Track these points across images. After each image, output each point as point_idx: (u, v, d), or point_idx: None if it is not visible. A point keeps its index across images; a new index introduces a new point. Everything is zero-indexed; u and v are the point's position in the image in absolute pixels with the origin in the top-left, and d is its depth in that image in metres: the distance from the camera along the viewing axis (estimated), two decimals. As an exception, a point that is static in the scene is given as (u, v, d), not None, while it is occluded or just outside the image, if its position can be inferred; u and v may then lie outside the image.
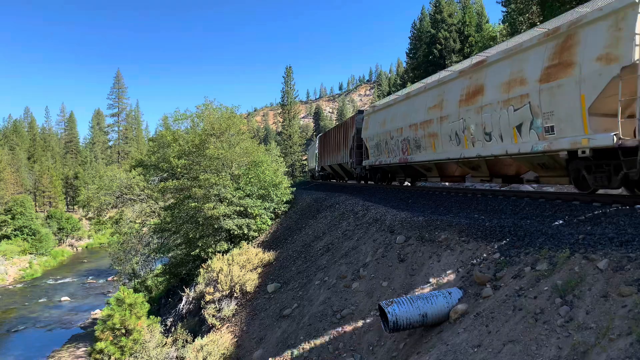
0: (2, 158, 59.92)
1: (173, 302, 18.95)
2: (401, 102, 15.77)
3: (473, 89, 11.05)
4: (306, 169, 57.18)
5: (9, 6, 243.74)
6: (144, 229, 27.50)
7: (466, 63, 11.51)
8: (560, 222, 6.51)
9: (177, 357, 10.69)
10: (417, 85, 15.87)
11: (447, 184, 16.08)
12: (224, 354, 9.18)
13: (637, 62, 6.56)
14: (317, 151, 33.87)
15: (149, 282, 27.34)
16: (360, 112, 21.36)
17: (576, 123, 7.72)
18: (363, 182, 21.60)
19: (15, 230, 49.70)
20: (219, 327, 10.87)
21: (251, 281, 11.97)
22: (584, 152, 7.54)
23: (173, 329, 13.61)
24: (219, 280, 12.05)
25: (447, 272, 6.30)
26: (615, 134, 6.90)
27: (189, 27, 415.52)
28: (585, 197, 7.73)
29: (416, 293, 6.24)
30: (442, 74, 13.42)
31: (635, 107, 6.75)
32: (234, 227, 17.47)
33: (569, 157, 8.07)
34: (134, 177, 27.29)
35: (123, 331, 12.22)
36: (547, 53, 8.53)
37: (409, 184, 16.93)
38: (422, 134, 13.59)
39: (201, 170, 18.59)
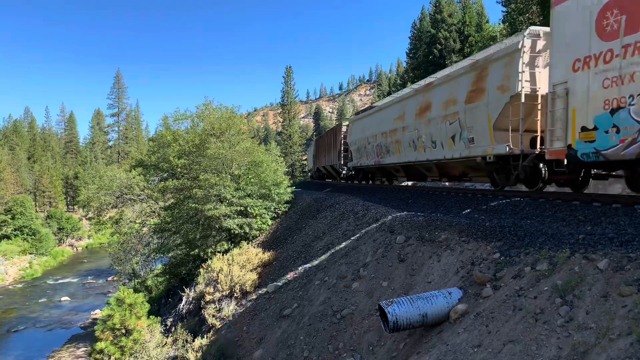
0: (2, 158, 59.92)
1: (173, 302, 18.95)
2: (376, 112, 18.00)
3: (424, 105, 13.45)
4: (306, 169, 57.24)
5: (9, 6, 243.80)
6: (144, 229, 27.49)
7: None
8: (560, 222, 6.51)
9: (177, 357, 10.69)
10: (389, 98, 18.36)
11: (423, 183, 18.30)
12: (223, 353, 9.18)
13: (520, 92, 9.10)
14: (313, 153, 36.42)
15: (149, 282, 27.34)
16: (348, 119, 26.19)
17: (486, 136, 10.26)
18: (350, 181, 23.62)
19: (15, 230, 49.69)
20: (219, 327, 10.87)
21: (251, 281, 11.98)
22: (490, 158, 10.19)
23: (173, 329, 13.61)
24: (219, 280, 12.05)
25: (447, 272, 6.30)
26: (507, 145, 9.47)
27: (189, 27, 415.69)
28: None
29: (416, 293, 6.24)
30: (404, 90, 15.97)
31: (525, 125, 9.16)
32: (235, 226, 17.47)
33: (484, 161, 10.49)
34: (134, 177, 27.29)
35: (123, 331, 12.23)
36: (470, 80, 11.04)
37: (387, 182, 18.62)
38: (390, 140, 15.93)
39: (201, 170, 18.59)
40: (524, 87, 9.14)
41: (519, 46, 9.21)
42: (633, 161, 6.75)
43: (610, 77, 6.95)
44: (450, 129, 11.82)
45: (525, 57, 9.22)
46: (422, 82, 15.05)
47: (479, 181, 12.68)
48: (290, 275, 10.91)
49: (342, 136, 23.79)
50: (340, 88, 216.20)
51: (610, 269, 4.00)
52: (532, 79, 9.22)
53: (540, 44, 9.19)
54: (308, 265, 10.84)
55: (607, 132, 6.97)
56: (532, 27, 9.45)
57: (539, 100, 9.00)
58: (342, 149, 23.95)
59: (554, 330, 3.76)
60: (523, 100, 9.11)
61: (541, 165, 9.08)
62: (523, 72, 9.15)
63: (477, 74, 10.77)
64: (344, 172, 23.96)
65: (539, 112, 9.00)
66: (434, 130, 12.69)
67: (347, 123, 23.45)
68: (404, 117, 14.73)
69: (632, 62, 6.63)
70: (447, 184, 16.49)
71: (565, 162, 7.99)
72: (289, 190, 20.29)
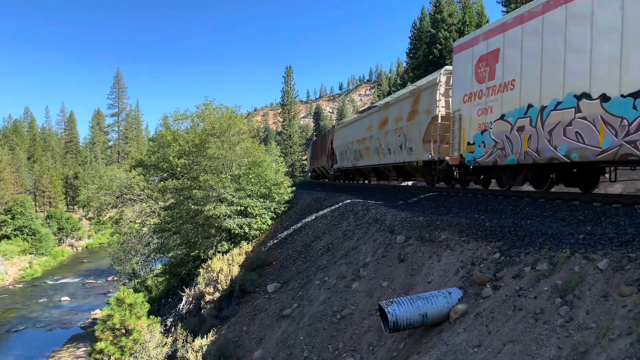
0: (2, 158, 59.91)
1: (173, 302, 18.95)
2: (353, 123, 22.07)
3: (383, 120, 17.14)
4: (306, 169, 57.34)
5: (9, 6, 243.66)
6: (144, 229, 27.50)
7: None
8: (560, 222, 6.52)
9: (177, 357, 10.69)
10: (355, 115, 23.47)
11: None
12: (223, 353, 9.17)
13: (437, 114, 12.47)
14: (310, 155, 40.34)
15: (149, 282, 27.34)
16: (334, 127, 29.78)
17: (419, 146, 13.66)
18: (336, 180, 27.32)
19: (15, 230, 49.70)
20: (219, 327, 10.87)
21: (251, 281, 11.97)
22: (420, 163, 13.82)
23: (173, 329, 13.61)
24: (219, 280, 12.06)
25: (447, 272, 6.30)
26: (429, 153, 12.98)
27: (189, 27, 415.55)
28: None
29: (416, 293, 6.24)
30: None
31: (442, 139, 12.36)
32: (235, 226, 17.47)
33: (418, 165, 14.14)
34: (134, 177, 27.29)
35: (123, 331, 12.23)
36: (410, 103, 14.64)
37: (363, 181, 21.48)
38: (363, 147, 19.58)
39: (201, 170, 18.58)
40: (440, 111, 12.48)
41: (437, 80, 12.68)
42: (490, 166, 10.10)
43: (481, 109, 10.08)
44: (398, 139, 15.34)
45: (442, 89, 12.56)
46: (383, 101, 19.90)
47: (420, 180, 16.41)
48: (290, 275, 10.90)
49: (330, 141, 27.48)
50: (340, 88, 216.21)
51: (611, 269, 4.00)
52: (447, 105, 12.36)
53: (452, 79, 11.98)
54: (308, 265, 10.84)
55: (479, 146, 10.12)
56: (447, 67, 12.90)
57: (450, 121, 11.66)
58: (329, 152, 27.53)
59: (554, 330, 3.76)
60: (439, 120, 12.44)
61: (454, 168, 11.93)
62: (440, 100, 12.56)
63: (414, 99, 14.36)
64: (331, 172, 27.74)
65: (450, 130, 11.65)
66: (389, 140, 16.23)
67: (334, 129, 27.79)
68: (371, 128, 18.46)
69: (491, 99, 9.75)
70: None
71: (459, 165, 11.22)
72: (289, 190, 20.30)
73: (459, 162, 11.00)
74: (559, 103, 7.82)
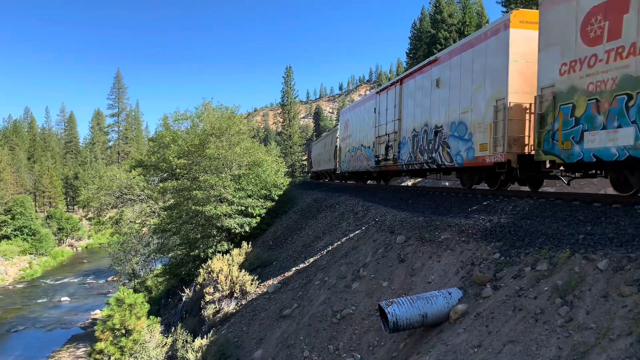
0: (2, 158, 59.93)
1: (173, 302, 18.95)
2: (319, 141, 35.71)
3: (327, 142, 30.00)
4: (306, 169, 57.43)
5: (9, 6, 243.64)
6: (144, 229, 27.50)
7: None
8: (560, 222, 6.51)
9: (177, 357, 10.69)
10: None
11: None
12: (223, 354, 9.17)
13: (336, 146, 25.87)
14: (307, 157, 50.54)
15: (149, 282, 27.34)
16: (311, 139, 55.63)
17: (331, 160, 27.65)
18: (313, 179, 39.44)
19: (15, 230, 49.71)
20: (219, 327, 10.87)
21: (251, 281, 11.97)
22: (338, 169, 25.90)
23: (173, 329, 13.61)
24: (219, 281, 12.05)
25: (447, 272, 6.30)
26: (335, 166, 27.64)
27: (189, 27, 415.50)
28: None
29: (416, 293, 6.24)
30: (326, 131, 32.03)
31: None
32: (235, 225, 17.46)
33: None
34: (134, 177, 27.30)
35: (123, 331, 12.22)
36: (331, 138, 28.50)
37: (326, 180, 27.92)
38: (322, 157, 32.37)
39: (201, 170, 18.58)
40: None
41: (336, 128, 26.35)
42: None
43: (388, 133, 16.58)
44: (327, 155, 29.18)
45: (337, 133, 25.58)
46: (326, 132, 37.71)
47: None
48: (290, 275, 10.90)
49: (310, 151, 42.46)
50: (340, 88, 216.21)
51: (610, 269, 4.00)
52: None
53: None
54: (308, 265, 10.84)
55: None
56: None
57: None
58: (310, 160, 41.03)
59: (554, 330, 3.76)
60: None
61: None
62: (337, 138, 25.77)
63: (330, 136, 28.77)
64: (310, 173, 41.15)
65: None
66: (328, 154, 28.99)
67: (312, 142, 45.87)
68: (325, 146, 30.90)
69: (345, 146, 22.07)
70: (446, 183, 18.67)
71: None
72: (286, 181, 20.43)
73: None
74: None
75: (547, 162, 8.28)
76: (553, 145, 8.05)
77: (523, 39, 9.64)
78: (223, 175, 18.52)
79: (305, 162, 64.28)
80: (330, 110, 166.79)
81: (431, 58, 13.52)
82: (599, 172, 8.24)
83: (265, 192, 19.12)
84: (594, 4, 7.27)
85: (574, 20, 7.59)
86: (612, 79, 6.88)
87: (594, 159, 7.18)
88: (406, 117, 14.94)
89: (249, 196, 18.48)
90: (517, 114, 9.65)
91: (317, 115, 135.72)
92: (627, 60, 6.63)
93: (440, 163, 12.64)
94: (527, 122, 9.43)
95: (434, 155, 12.94)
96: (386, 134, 16.48)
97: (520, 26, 9.80)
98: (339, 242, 10.82)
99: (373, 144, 17.81)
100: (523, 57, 9.64)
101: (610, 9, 6.93)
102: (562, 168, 8.59)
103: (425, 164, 13.58)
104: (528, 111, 9.49)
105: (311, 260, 11.13)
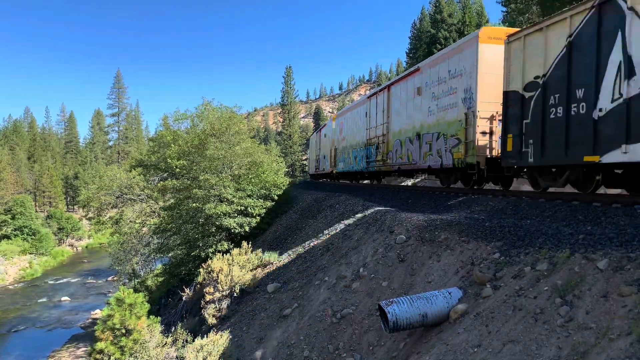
0: (2, 158, 59.95)
1: (173, 302, 18.95)
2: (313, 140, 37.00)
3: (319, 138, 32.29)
4: (306, 169, 57.49)
5: (9, 6, 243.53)
6: (144, 229, 27.50)
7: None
8: (560, 222, 6.51)
9: (177, 357, 10.69)
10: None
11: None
12: (224, 354, 9.17)
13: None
14: (305, 157, 55.20)
15: (149, 282, 27.35)
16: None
17: (329, 162, 27.74)
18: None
19: (15, 230, 49.70)
20: (219, 327, 10.87)
21: (251, 281, 11.96)
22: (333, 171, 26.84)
23: (173, 329, 13.61)
24: (219, 280, 12.04)
25: (447, 272, 6.30)
26: (326, 166, 29.62)
27: (189, 27, 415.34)
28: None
29: (416, 293, 6.24)
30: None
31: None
32: (235, 225, 17.45)
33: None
34: (134, 177, 27.30)
35: (123, 331, 12.21)
36: (317, 138, 33.45)
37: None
38: (317, 157, 33.57)
39: (201, 170, 18.57)
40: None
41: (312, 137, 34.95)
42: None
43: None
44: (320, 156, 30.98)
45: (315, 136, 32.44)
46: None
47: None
48: (290, 275, 10.91)
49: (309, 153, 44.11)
50: (340, 88, 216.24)
51: (610, 269, 4.00)
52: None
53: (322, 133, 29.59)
54: (308, 265, 10.84)
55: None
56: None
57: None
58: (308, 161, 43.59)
59: (554, 330, 3.76)
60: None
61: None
62: (324, 138, 29.72)
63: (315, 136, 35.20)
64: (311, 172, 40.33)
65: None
66: (325, 157, 29.84)
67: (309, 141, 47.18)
68: (319, 143, 32.22)
69: (342, 146, 23.66)
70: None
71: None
72: (286, 181, 20.43)
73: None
74: None
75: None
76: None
77: (491, 53, 10.51)
78: (223, 175, 18.51)
79: (305, 162, 64.34)
80: (330, 110, 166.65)
81: (413, 67, 14.85)
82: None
83: (265, 192, 19.11)
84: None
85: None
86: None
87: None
88: (393, 121, 16.09)
89: (249, 196, 18.48)
90: (483, 121, 10.71)
91: (317, 115, 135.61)
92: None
93: (422, 164, 13.71)
94: (495, 128, 10.42)
95: (416, 157, 14.04)
96: (376, 136, 17.60)
97: (488, 41, 10.68)
98: (338, 242, 10.82)
99: (365, 145, 19.12)
100: (491, 69, 10.51)
101: None
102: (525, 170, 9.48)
103: (409, 165, 14.62)
104: (495, 119, 10.38)
105: (311, 259, 11.13)
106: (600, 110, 7.17)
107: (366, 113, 19.22)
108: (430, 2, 42.61)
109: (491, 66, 10.56)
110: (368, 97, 19.13)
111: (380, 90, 17.55)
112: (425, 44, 40.02)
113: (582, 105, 7.58)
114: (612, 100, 6.96)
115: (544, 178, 9.22)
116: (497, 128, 10.27)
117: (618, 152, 6.80)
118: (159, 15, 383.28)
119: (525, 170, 9.45)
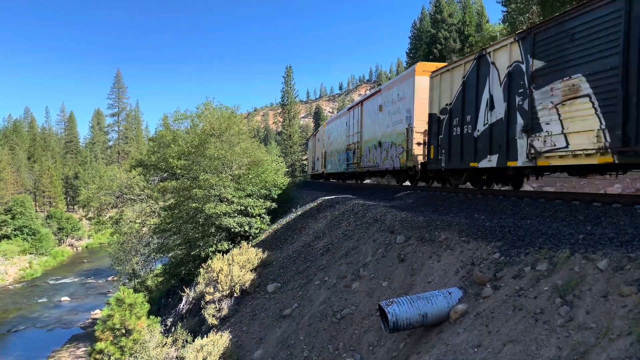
0: (2, 158, 59.95)
1: (173, 302, 18.94)
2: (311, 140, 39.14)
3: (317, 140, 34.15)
4: (306, 169, 57.53)
5: (9, 6, 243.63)
6: (144, 229, 27.50)
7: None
8: (560, 222, 6.51)
9: (177, 357, 10.69)
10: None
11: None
12: (224, 354, 9.18)
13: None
14: (305, 157, 56.85)
15: (149, 282, 27.36)
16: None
17: (321, 163, 31.01)
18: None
19: (15, 230, 49.71)
20: (219, 327, 10.87)
21: (251, 281, 11.97)
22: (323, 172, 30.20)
23: (173, 329, 13.60)
24: (219, 280, 12.04)
25: (447, 272, 6.30)
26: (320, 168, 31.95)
27: (189, 27, 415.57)
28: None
29: (416, 293, 6.23)
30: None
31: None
32: (234, 224, 17.45)
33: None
34: (134, 177, 27.29)
35: (123, 331, 12.22)
36: (314, 141, 36.24)
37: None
38: (313, 159, 35.80)
39: (201, 170, 18.57)
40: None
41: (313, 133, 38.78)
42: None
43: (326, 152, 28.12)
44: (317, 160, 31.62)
45: (312, 139, 34.43)
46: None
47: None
48: (290, 275, 10.91)
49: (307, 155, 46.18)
50: (340, 88, 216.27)
51: (611, 269, 4.00)
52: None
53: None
54: (308, 265, 10.84)
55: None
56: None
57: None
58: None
59: (554, 330, 3.76)
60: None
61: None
62: (318, 142, 32.29)
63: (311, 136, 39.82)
64: (309, 172, 41.74)
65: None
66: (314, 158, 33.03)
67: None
68: (323, 139, 31.17)
69: (330, 150, 27.12)
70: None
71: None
72: (286, 181, 20.46)
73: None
74: None
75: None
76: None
77: (424, 83, 13.64)
78: (223, 175, 18.51)
79: (305, 162, 64.36)
80: (330, 110, 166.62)
81: (377, 89, 19.16)
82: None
83: (265, 192, 19.11)
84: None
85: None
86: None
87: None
88: (364, 131, 19.89)
89: (249, 196, 18.47)
90: (418, 134, 14.13)
91: (317, 115, 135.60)
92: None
93: (382, 167, 17.40)
94: (426, 140, 13.40)
95: (379, 161, 17.67)
96: (353, 143, 21.44)
97: (422, 74, 14.24)
98: (338, 242, 10.82)
99: (345, 150, 22.96)
100: (424, 95, 13.50)
101: None
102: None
103: (374, 167, 18.31)
104: (426, 133, 13.36)
105: (311, 259, 11.13)
106: (478, 131, 10.47)
107: (346, 123, 22.96)
108: (430, 2, 42.59)
109: (424, 93, 13.57)
110: (348, 109, 23.19)
111: (356, 105, 21.54)
112: (425, 44, 40.00)
113: (469, 127, 10.83)
114: (483, 125, 10.28)
115: (452, 178, 12.67)
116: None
117: (486, 160, 10.13)
118: (159, 15, 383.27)
119: (441, 171, 12.83)
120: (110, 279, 39.29)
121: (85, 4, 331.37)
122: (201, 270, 14.40)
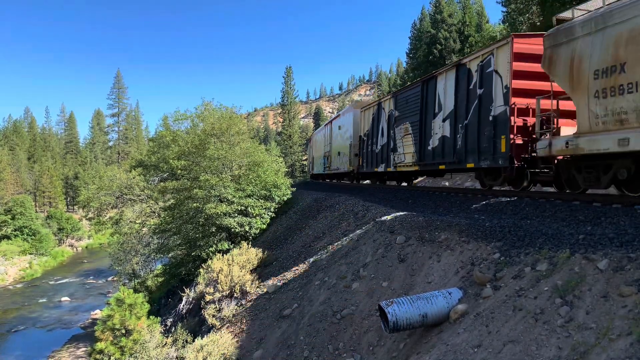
0: (2, 158, 59.95)
1: (173, 302, 18.95)
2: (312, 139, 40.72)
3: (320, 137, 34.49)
4: (306, 169, 57.58)
5: (9, 6, 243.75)
6: (144, 229, 27.49)
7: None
8: (560, 222, 6.51)
9: (177, 357, 10.69)
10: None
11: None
12: (224, 354, 9.17)
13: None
14: (305, 157, 59.93)
15: (149, 282, 27.35)
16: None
17: (312, 165, 37.42)
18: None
19: (15, 230, 49.69)
20: (219, 327, 10.86)
21: (251, 281, 11.96)
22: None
23: (173, 329, 13.61)
24: (219, 281, 12.04)
25: (447, 272, 6.30)
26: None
27: (189, 27, 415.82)
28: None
29: (416, 293, 6.23)
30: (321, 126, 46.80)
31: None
32: (234, 224, 17.45)
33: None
34: (134, 177, 27.29)
35: (123, 331, 12.22)
36: (310, 144, 40.28)
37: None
38: (309, 160, 39.89)
39: (201, 170, 18.56)
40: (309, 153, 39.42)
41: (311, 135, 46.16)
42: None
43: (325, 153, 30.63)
44: (323, 159, 30.92)
45: (319, 134, 33.90)
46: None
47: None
48: (290, 275, 10.91)
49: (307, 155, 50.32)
50: (340, 88, 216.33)
51: (611, 269, 4.00)
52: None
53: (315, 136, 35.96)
54: (308, 265, 10.84)
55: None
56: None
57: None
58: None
59: (554, 330, 3.76)
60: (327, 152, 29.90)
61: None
62: (312, 146, 36.69)
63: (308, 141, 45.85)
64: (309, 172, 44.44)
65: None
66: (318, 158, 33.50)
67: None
68: (327, 140, 31.88)
69: (317, 155, 33.43)
70: (446, 183, 24.63)
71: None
72: (288, 192, 20.31)
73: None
74: None
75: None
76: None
77: (358, 114, 20.96)
78: (223, 176, 18.50)
79: (305, 162, 64.42)
80: (330, 110, 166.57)
81: (337, 114, 28.81)
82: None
83: (265, 192, 19.10)
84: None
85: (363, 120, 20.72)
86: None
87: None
88: (333, 142, 26.96)
89: (249, 196, 18.47)
90: (355, 147, 21.39)
91: (317, 115, 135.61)
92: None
93: (341, 170, 24.46)
94: (357, 152, 21.11)
95: (339, 165, 24.79)
96: (327, 151, 28.62)
97: (357, 108, 21.51)
98: (338, 242, 10.82)
99: (324, 156, 30.07)
100: (357, 122, 21.17)
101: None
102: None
103: (337, 170, 25.60)
104: (358, 147, 20.85)
105: (311, 260, 11.13)
106: (377, 149, 17.89)
107: (324, 135, 30.38)
108: (430, 2, 42.57)
109: (357, 121, 21.12)
110: (325, 125, 31.26)
111: (329, 123, 29.47)
112: (425, 44, 39.99)
113: (375, 146, 18.18)
114: (379, 146, 17.63)
115: (369, 177, 21.51)
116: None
117: (380, 167, 17.54)
118: (159, 15, 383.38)
119: (364, 173, 20.55)
120: (110, 279, 39.28)
121: (86, 4, 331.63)
122: (201, 270, 14.40)
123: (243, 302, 11.42)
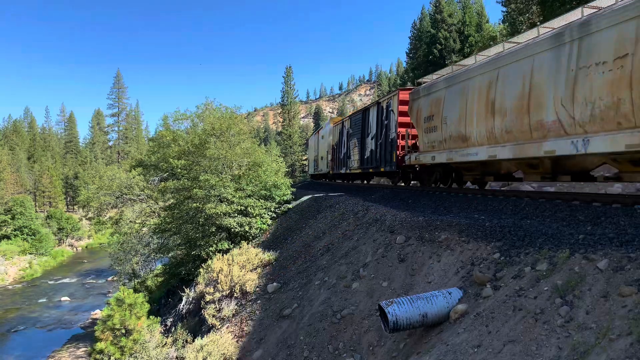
0: (2, 158, 59.91)
1: (173, 302, 18.94)
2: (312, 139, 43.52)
3: (325, 138, 34.72)
4: (306, 169, 57.61)
5: (9, 6, 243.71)
6: (144, 229, 27.47)
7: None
8: (560, 222, 6.51)
9: (177, 357, 10.69)
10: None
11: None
12: (224, 354, 9.17)
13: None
14: (305, 157, 62.96)
15: (149, 282, 27.31)
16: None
17: (326, 164, 31.57)
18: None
19: (15, 230, 49.67)
20: (219, 327, 10.86)
21: (251, 281, 11.96)
22: (329, 172, 31.28)
23: (173, 329, 13.61)
24: (219, 281, 12.04)
25: (447, 272, 6.30)
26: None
27: (189, 27, 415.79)
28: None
29: (416, 293, 6.23)
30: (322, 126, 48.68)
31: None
32: (234, 224, 17.44)
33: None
34: (133, 177, 27.27)
35: (123, 331, 12.22)
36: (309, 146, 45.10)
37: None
38: (315, 157, 39.00)
39: (201, 170, 18.55)
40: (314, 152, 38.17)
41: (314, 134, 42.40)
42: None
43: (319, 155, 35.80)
44: (323, 159, 32.99)
45: (312, 139, 38.55)
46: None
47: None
48: (290, 275, 10.90)
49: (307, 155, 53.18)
50: (340, 88, 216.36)
51: (610, 269, 4.00)
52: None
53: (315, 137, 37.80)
54: (308, 265, 10.83)
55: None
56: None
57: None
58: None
59: (554, 330, 3.76)
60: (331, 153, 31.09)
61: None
62: (309, 149, 41.08)
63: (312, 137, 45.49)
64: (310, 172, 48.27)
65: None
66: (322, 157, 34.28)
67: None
68: (329, 141, 34.54)
69: (312, 157, 38.43)
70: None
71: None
72: (288, 192, 20.29)
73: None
74: None
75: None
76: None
77: (333, 128, 27.11)
78: (223, 176, 18.49)
79: (305, 162, 64.44)
80: (330, 110, 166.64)
81: (320, 127, 40.91)
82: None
83: (265, 192, 19.09)
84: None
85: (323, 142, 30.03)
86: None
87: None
88: (319, 149, 32.57)
89: (249, 196, 18.46)
90: (330, 154, 27.12)
91: (317, 115, 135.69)
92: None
93: (324, 171, 29.95)
94: (331, 158, 27.43)
95: (323, 168, 30.31)
96: (317, 155, 33.89)
97: (332, 123, 28.35)
98: (338, 242, 10.82)
99: (314, 159, 35.47)
100: (331, 134, 27.44)
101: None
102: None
103: (321, 171, 31.23)
104: (332, 153, 27.10)
105: (311, 259, 11.13)
106: (342, 155, 24.20)
107: (314, 141, 35.67)
108: (430, 2, 42.57)
109: (333, 134, 26.57)
110: (314, 133, 39.17)
111: (317, 131, 36.28)
112: (425, 44, 40.00)
113: (340, 154, 24.51)
114: (343, 153, 23.99)
115: (339, 178, 27.72)
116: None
117: (343, 169, 23.99)
118: (159, 15, 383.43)
119: (335, 174, 26.22)
120: (110, 279, 39.27)
121: (86, 4, 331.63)
122: (201, 270, 14.41)
123: (243, 302, 11.42)
